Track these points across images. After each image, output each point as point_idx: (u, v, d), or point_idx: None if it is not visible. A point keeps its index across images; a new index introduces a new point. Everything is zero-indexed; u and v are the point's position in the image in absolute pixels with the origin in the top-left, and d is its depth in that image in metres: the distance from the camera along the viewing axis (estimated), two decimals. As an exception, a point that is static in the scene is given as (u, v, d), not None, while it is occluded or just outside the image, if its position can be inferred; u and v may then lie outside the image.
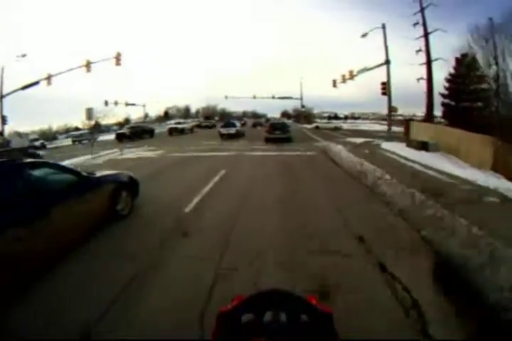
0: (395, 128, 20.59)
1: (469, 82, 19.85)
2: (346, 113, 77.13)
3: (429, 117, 16.26)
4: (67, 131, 41.32)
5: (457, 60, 20.45)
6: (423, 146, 11.32)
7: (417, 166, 8.18)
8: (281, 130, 17.59)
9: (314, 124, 40.00)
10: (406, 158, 9.54)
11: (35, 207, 3.07)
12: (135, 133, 25.16)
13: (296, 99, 48.07)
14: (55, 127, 50.22)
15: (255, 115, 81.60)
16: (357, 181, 6.81)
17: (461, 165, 8.70)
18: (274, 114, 77.95)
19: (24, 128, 37.87)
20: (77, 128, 42.23)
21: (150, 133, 27.29)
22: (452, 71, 20.90)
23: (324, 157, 11.04)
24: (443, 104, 21.29)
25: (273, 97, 47.08)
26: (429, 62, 15.91)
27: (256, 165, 9.55)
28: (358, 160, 8.39)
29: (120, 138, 24.27)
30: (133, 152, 15.00)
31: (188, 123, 34.86)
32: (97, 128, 24.12)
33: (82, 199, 3.74)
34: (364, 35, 18.28)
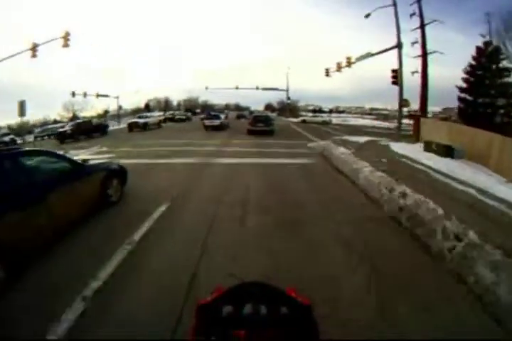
0: (384, 124, 20.09)
1: (491, 74, 17.73)
2: (330, 106, 76.70)
3: (423, 113, 16.00)
4: (43, 125, 36.82)
5: (478, 49, 18.38)
6: (447, 152, 8.98)
7: (469, 190, 5.40)
8: (264, 123, 17.51)
9: (301, 118, 38.74)
10: (440, 172, 6.86)
11: (32, 194, 3.28)
12: (82, 130, 19.81)
13: (282, 90, 47.15)
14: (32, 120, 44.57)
15: (238, 108, 78.99)
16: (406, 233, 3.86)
17: (500, 181, 6.81)
18: (257, 106, 75.67)
19: (7, 121, 35.28)
20: (55, 121, 39.79)
21: (101, 130, 22.00)
22: (472, 62, 18.47)
23: (325, 166, 8.50)
24: (460, 99, 18.87)
25: (257, 88, 45.05)
26: (424, 55, 15.39)
27: (228, 183, 6.33)
28: (388, 181, 5.43)
29: (61, 138, 18.87)
30: (76, 155, 9.54)
31: (155, 117, 29.58)
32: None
33: (76, 186, 3.98)
34: (367, 16, 15.93)
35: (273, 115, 45.18)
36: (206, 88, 48.16)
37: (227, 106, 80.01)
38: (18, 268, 2.84)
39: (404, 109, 18.05)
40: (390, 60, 15.47)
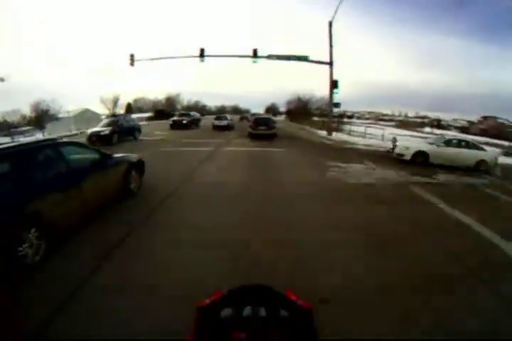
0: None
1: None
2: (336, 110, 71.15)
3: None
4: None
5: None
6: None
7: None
8: (265, 125, 16.41)
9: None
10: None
11: (69, 179, 3.84)
12: (123, 131, 14.82)
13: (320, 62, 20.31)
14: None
15: (237, 110, 75.90)
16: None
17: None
18: (257, 109, 69.76)
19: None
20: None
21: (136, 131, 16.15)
22: None
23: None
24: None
25: (288, 58, 20.86)
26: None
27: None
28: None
29: (103, 141, 13.06)
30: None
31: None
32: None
33: (104, 174, 4.57)
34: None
35: (279, 119, 41.60)
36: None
37: (220, 110, 73.85)
38: (56, 242, 3.36)
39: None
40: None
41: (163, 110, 47.37)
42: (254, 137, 15.87)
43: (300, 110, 41.50)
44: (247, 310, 0.61)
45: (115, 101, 46.75)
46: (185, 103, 66.65)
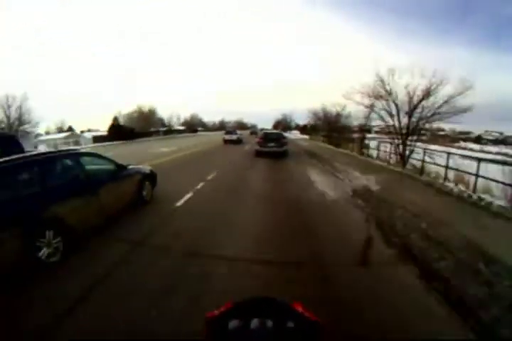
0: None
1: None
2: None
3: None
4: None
5: None
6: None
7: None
8: (276, 142, 14.44)
9: None
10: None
11: (88, 186, 4.09)
12: None
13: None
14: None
15: (242, 125, 73.03)
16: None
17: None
18: (265, 125, 67.51)
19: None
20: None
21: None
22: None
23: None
24: None
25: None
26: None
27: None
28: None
29: None
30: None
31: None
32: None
33: (119, 183, 4.84)
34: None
35: (299, 138, 36.11)
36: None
37: (221, 124, 71.67)
38: (73, 244, 3.56)
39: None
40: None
41: (122, 127, 32.11)
42: (262, 155, 13.99)
43: (333, 125, 28.29)
44: (254, 322, 0.62)
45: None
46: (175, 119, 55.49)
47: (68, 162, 4.07)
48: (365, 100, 15.79)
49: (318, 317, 0.68)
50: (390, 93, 14.57)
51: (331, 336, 1.10)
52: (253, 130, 51.19)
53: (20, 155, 3.80)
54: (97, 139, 27.13)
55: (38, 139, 26.72)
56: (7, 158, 3.58)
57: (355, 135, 22.95)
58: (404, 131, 14.36)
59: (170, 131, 23.36)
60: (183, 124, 53.75)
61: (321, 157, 14.98)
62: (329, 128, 28.88)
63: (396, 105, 14.60)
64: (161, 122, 43.76)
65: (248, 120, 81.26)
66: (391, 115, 14.84)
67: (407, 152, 13.67)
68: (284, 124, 62.79)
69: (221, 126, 69.23)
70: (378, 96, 14.98)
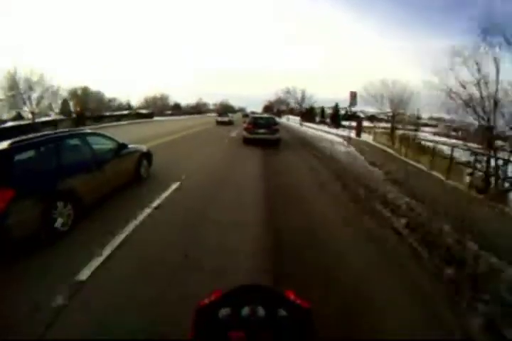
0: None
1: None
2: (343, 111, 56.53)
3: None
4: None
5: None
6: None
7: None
8: (267, 128, 12.75)
9: None
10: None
11: (94, 162, 4.69)
12: None
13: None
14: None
15: (227, 108, 66.91)
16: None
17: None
18: (254, 108, 62.52)
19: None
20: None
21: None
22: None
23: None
24: None
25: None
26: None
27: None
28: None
29: None
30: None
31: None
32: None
33: (121, 160, 5.46)
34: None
35: (295, 118, 36.44)
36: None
37: (198, 106, 65.30)
38: (82, 211, 4.17)
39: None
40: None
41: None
42: (251, 142, 12.45)
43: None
44: (245, 310, 0.62)
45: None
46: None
47: (77, 141, 4.62)
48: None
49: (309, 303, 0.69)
50: None
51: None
52: (245, 113, 51.96)
53: (37, 134, 4.36)
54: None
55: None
56: (24, 137, 4.16)
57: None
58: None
59: (99, 118, 18.32)
60: (144, 107, 46.36)
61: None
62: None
63: None
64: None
65: (237, 103, 77.64)
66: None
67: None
68: (271, 109, 56.60)
69: (200, 110, 61.60)
70: None
